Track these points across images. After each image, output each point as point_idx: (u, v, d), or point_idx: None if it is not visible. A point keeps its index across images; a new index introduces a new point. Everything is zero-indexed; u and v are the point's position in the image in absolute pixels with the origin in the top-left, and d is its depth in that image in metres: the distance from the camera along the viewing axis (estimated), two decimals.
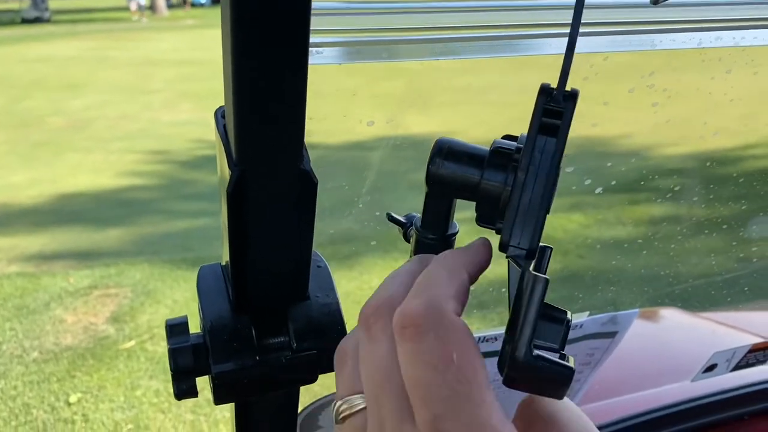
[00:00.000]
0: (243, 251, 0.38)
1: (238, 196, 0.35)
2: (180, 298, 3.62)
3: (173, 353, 0.41)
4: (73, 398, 2.83)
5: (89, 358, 3.11)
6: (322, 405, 0.68)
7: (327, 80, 0.36)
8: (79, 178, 5.85)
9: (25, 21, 21.28)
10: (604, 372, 0.77)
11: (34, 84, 10.10)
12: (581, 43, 0.46)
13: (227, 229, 0.37)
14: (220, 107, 0.39)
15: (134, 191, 5.56)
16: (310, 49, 0.32)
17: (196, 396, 0.42)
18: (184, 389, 0.41)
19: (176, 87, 9.65)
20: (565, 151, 0.32)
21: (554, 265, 3.67)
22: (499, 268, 0.37)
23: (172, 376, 0.41)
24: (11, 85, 10.12)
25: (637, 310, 0.68)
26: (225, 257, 0.43)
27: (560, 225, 3.99)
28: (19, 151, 6.72)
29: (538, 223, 0.32)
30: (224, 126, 0.38)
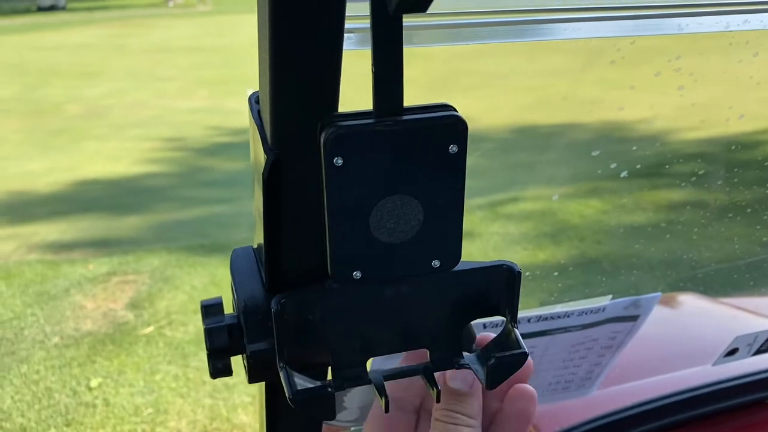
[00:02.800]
0: (277, 233, 0.39)
1: (273, 180, 0.36)
2: (198, 284, 3.65)
3: (209, 333, 0.42)
4: (93, 383, 2.87)
5: (109, 344, 3.15)
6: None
7: (345, 66, 0.36)
8: (96, 165, 5.90)
9: (41, 9, 21.36)
10: (625, 355, 0.77)
11: (51, 72, 10.16)
12: (607, 26, 0.46)
13: (263, 212, 0.38)
14: (254, 93, 0.40)
15: (151, 178, 5.60)
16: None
17: (231, 375, 0.42)
18: (219, 368, 0.42)
19: (191, 74, 9.67)
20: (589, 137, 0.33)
21: (571, 251, 3.66)
22: None
23: (208, 355, 0.42)
24: (27, 73, 10.19)
25: (659, 294, 0.68)
26: (257, 240, 0.43)
27: (577, 211, 3.98)
28: (36, 139, 6.78)
29: None
30: (258, 111, 0.38)
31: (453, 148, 0.33)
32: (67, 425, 2.61)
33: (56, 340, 3.20)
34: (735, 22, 0.43)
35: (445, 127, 0.32)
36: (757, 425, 0.88)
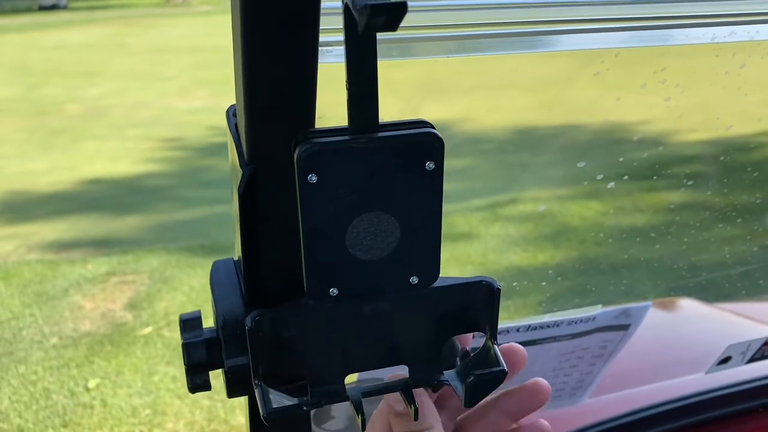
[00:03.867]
0: (255, 248, 0.39)
1: (249, 194, 0.36)
2: (197, 284, 3.65)
3: (187, 348, 0.42)
4: (91, 383, 2.87)
5: (107, 344, 3.15)
6: None
7: (331, 78, 0.36)
8: (96, 165, 5.90)
9: (42, 8, 21.36)
10: (618, 363, 0.76)
11: (52, 71, 10.16)
12: (593, 38, 0.46)
13: (239, 227, 0.38)
14: (232, 106, 0.39)
15: (151, 178, 5.60)
16: (320, 48, 0.33)
17: (209, 389, 0.42)
18: (197, 383, 0.42)
19: (192, 74, 9.67)
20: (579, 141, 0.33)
21: (571, 252, 3.65)
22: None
23: (186, 370, 0.42)
24: (28, 72, 10.19)
25: (650, 303, 0.68)
26: (237, 252, 0.43)
27: (578, 212, 3.97)
28: (36, 139, 6.78)
29: None
30: (236, 125, 0.38)
31: (430, 165, 0.33)
32: (65, 426, 2.61)
33: (54, 340, 3.20)
34: (721, 33, 0.43)
35: (421, 144, 0.32)
36: None
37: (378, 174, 0.32)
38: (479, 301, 0.39)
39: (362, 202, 0.33)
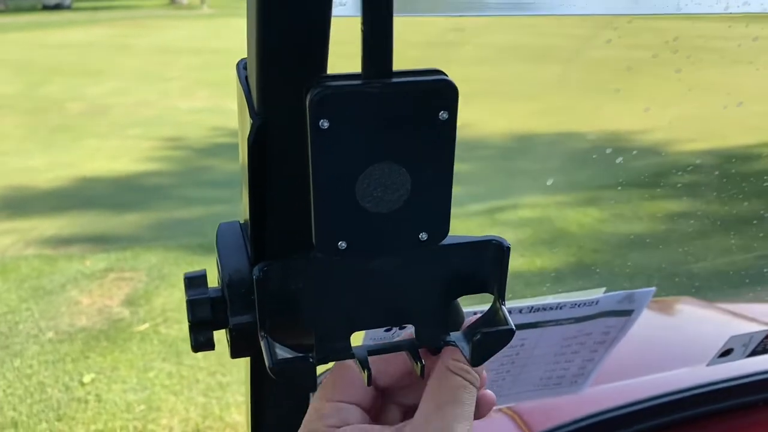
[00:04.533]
0: (262, 202, 0.38)
1: (259, 145, 0.35)
2: None
3: (191, 304, 0.41)
4: (86, 378, 2.86)
5: (103, 340, 3.14)
6: None
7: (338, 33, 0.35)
8: (96, 163, 5.90)
9: (46, 7, 21.40)
10: (619, 353, 0.76)
11: (54, 70, 10.17)
12: (605, 2, 0.46)
13: (248, 179, 0.37)
14: (242, 59, 0.39)
15: (151, 177, 5.60)
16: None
17: (213, 348, 0.42)
18: (201, 341, 0.41)
19: (194, 75, 9.68)
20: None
21: (568, 258, 3.65)
22: None
23: (190, 327, 0.41)
24: (31, 70, 10.20)
25: (653, 288, 0.68)
26: (244, 215, 0.43)
27: (575, 219, 3.97)
28: (37, 136, 6.77)
29: None
30: (246, 78, 0.38)
31: (443, 115, 0.32)
32: (59, 420, 2.60)
33: (50, 335, 3.18)
34: (735, 3, 0.42)
35: (434, 92, 0.32)
36: (748, 427, 0.87)
37: (390, 121, 0.32)
38: (488, 260, 0.39)
39: (374, 150, 0.32)
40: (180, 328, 3.20)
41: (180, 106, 7.91)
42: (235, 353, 0.42)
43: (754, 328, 1.15)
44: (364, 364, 0.38)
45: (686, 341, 1.05)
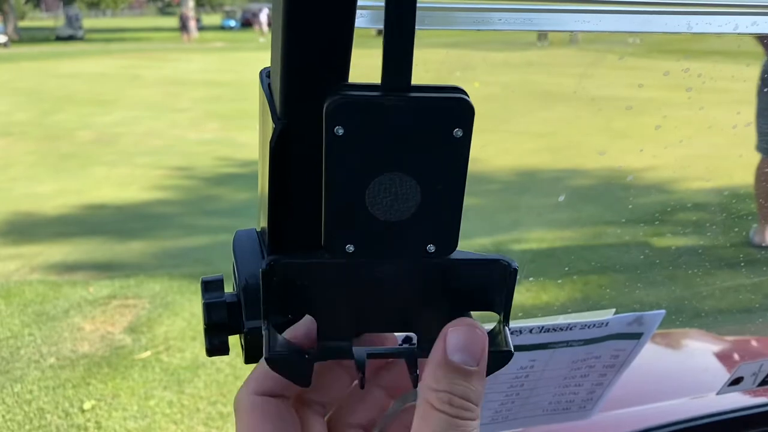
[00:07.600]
0: (281, 206, 0.39)
1: (281, 149, 0.36)
2: (198, 311, 3.62)
3: (208, 307, 0.41)
4: (87, 405, 2.83)
5: (105, 367, 3.12)
6: None
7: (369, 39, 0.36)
8: (104, 190, 5.93)
9: (60, 38, 21.76)
10: (627, 380, 0.75)
11: (65, 99, 10.30)
12: (616, 20, 0.46)
13: (268, 183, 0.38)
14: (266, 68, 0.40)
15: (157, 205, 5.62)
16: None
17: (227, 353, 0.42)
18: (215, 344, 0.41)
19: (203, 107, 9.79)
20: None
21: (575, 294, 3.63)
22: None
23: (205, 331, 0.41)
24: (43, 99, 10.33)
25: (663, 311, 0.67)
26: (261, 223, 0.43)
27: (581, 254, 3.96)
28: (47, 163, 6.83)
29: None
30: (269, 85, 0.39)
31: (458, 132, 0.33)
32: None
33: (52, 360, 3.17)
34: (744, 23, 0.43)
35: (451, 109, 0.32)
36: None
37: (404, 134, 0.32)
38: (495, 280, 0.39)
39: (386, 160, 0.33)
40: (182, 356, 3.18)
41: (189, 137, 7.98)
42: (250, 358, 0.42)
43: (765, 355, 1.14)
44: (361, 367, 0.38)
45: (695, 370, 1.04)
